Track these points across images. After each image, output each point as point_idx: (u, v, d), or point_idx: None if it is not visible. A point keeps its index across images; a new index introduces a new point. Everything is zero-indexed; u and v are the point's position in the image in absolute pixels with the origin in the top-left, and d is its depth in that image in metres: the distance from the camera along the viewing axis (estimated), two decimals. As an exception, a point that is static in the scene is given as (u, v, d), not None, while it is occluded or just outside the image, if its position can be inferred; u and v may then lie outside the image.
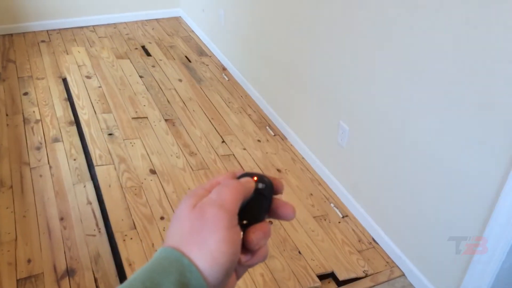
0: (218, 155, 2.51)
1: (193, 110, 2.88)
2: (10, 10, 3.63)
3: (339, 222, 2.14)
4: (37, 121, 2.67)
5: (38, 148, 2.47)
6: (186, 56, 3.51)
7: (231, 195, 0.38)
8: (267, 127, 2.76)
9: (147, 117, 2.74)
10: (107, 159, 2.37)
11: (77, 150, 2.46)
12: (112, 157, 2.38)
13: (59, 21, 3.79)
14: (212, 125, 2.75)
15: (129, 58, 3.42)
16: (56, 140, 2.53)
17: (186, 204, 0.39)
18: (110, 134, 2.53)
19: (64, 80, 3.07)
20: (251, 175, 0.42)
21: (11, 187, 2.21)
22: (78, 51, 3.37)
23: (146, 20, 4.10)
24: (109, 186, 2.21)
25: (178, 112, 2.84)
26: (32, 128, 2.61)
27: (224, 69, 3.38)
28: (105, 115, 2.70)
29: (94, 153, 2.40)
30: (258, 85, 2.96)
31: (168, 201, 2.17)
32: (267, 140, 2.65)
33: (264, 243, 0.40)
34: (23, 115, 2.72)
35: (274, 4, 2.54)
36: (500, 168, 1.39)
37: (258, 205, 0.41)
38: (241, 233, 0.39)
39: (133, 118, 2.71)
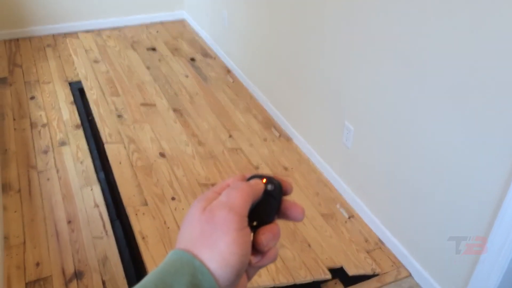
0: (226, 148, 2.53)
1: (200, 104, 2.90)
2: (16, 15, 3.66)
3: (346, 222, 2.15)
4: (44, 125, 2.69)
5: (45, 152, 2.49)
6: (191, 58, 3.52)
7: (240, 197, 0.39)
8: (272, 128, 2.76)
9: (155, 105, 2.75)
10: (117, 138, 2.35)
11: (83, 153, 2.48)
12: (122, 137, 2.36)
13: (65, 25, 3.82)
14: (219, 120, 2.78)
15: (135, 50, 3.45)
16: (63, 143, 2.55)
17: (196, 207, 0.39)
18: (119, 116, 2.51)
19: (71, 83, 3.10)
20: (260, 177, 0.42)
21: (19, 190, 2.23)
22: (85, 37, 3.37)
23: (150, 23, 4.12)
24: (120, 163, 2.19)
25: (185, 104, 2.87)
26: (39, 132, 2.64)
27: (228, 71, 3.39)
28: (114, 98, 2.69)
29: (104, 131, 2.37)
30: (262, 86, 2.97)
31: (179, 183, 2.16)
32: (273, 140, 2.66)
33: (274, 244, 0.40)
34: (30, 119, 2.74)
35: (278, 5, 2.55)
36: (506, 168, 1.38)
37: (267, 207, 0.41)
38: (251, 234, 0.39)
39: (141, 104, 2.71)
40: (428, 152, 1.68)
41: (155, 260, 1.75)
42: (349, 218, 2.17)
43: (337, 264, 1.92)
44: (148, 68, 3.21)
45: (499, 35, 1.31)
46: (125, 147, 2.27)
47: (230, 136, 2.64)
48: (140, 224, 1.90)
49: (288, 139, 2.68)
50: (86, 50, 3.06)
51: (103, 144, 2.69)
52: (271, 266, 1.84)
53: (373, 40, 1.84)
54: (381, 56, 1.82)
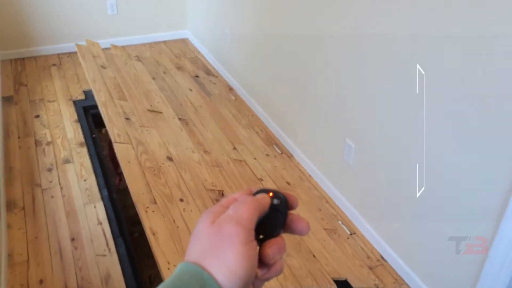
0: (230, 158, 2.56)
1: (204, 116, 2.95)
2: (22, 35, 3.73)
3: (348, 238, 2.15)
4: (48, 143, 2.72)
5: (50, 170, 2.51)
6: (196, 75, 3.58)
7: (247, 211, 0.40)
8: (274, 145, 2.79)
9: (161, 112, 2.78)
10: (126, 139, 2.34)
11: (87, 171, 2.50)
12: (130, 138, 2.36)
13: (70, 45, 3.88)
14: (223, 133, 2.82)
15: (141, 61, 3.50)
16: (67, 161, 2.58)
17: (205, 221, 0.41)
18: (127, 119, 2.51)
19: (75, 102, 3.14)
20: (266, 191, 0.44)
21: (23, 208, 2.25)
22: (93, 44, 3.41)
23: (154, 42, 4.18)
24: (129, 162, 2.18)
25: (190, 114, 2.91)
26: (44, 150, 2.66)
27: (230, 89, 3.43)
28: (122, 102, 2.70)
29: (113, 131, 2.36)
30: (264, 104, 3.01)
31: (186, 187, 2.16)
32: (275, 156, 2.69)
33: (280, 257, 0.42)
34: (35, 137, 2.77)
35: (279, 24, 2.60)
36: (505, 186, 1.40)
37: (273, 220, 0.43)
38: (258, 247, 0.40)
39: (148, 110, 2.73)
40: (429, 169, 1.70)
41: (166, 256, 1.74)
42: (351, 234, 2.18)
43: (342, 276, 1.93)
44: (153, 78, 3.27)
45: (496, 57, 1.35)
46: (133, 148, 2.27)
47: (234, 148, 2.68)
48: (150, 221, 1.88)
49: (289, 156, 2.70)
50: (94, 56, 3.09)
51: (106, 162, 2.71)
52: None
53: (374, 60, 1.88)
54: (381, 75, 1.85)
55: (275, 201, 0.43)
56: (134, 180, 2.08)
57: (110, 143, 2.75)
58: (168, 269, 1.64)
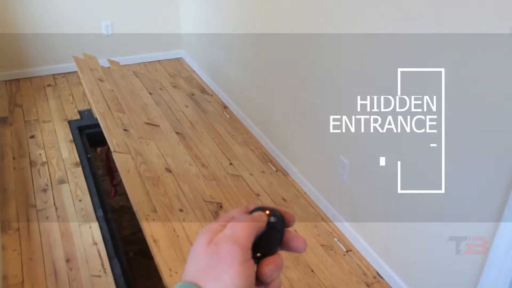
0: (227, 173, 2.57)
1: (201, 132, 2.97)
2: (17, 56, 3.75)
3: (344, 255, 2.15)
4: (43, 163, 2.72)
5: (45, 190, 2.50)
6: (192, 94, 3.61)
7: (244, 230, 0.41)
8: (269, 163, 2.80)
9: (159, 126, 2.78)
10: (125, 149, 2.32)
11: (82, 191, 2.50)
12: (129, 149, 2.35)
13: (65, 66, 3.91)
14: (220, 148, 2.83)
15: (137, 77, 3.52)
16: (62, 181, 2.57)
17: (202, 240, 0.41)
18: (125, 130, 2.49)
19: (70, 122, 3.15)
20: (263, 209, 0.44)
21: (18, 229, 2.23)
22: (90, 57, 3.42)
23: (148, 62, 4.22)
24: (128, 171, 2.17)
25: (187, 129, 2.94)
26: (39, 171, 2.66)
27: (225, 107, 3.46)
28: (120, 114, 2.69)
29: (112, 141, 2.35)
30: (259, 122, 3.03)
31: (185, 198, 2.15)
32: (271, 173, 2.70)
33: (277, 275, 0.42)
34: (30, 158, 2.77)
35: (274, 44, 2.64)
36: (500, 196, 1.42)
37: (270, 238, 0.43)
38: (255, 266, 0.41)
39: (145, 123, 2.74)
40: (423, 183, 1.72)
41: (167, 263, 1.72)
42: (346, 251, 2.18)
43: None
44: (150, 93, 3.29)
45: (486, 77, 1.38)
46: (132, 158, 2.26)
47: (231, 163, 2.70)
48: (151, 229, 1.86)
49: (285, 174, 2.72)
50: (91, 69, 3.11)
51: (101, 182, 2.71)
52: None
53: (367, 77, 1.91)
54: (374, 91, 1.88)
55: (272, 219, 0.44)
56: (134, 189, 2.05)
57: (107, 154, 2.73)
58: (170, 275, 1.61)
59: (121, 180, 2.87)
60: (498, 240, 1.44)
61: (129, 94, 3.05)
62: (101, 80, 3.02)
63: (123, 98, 2.91)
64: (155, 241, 1.81)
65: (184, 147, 2.68)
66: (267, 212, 0.44)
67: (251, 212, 0.45)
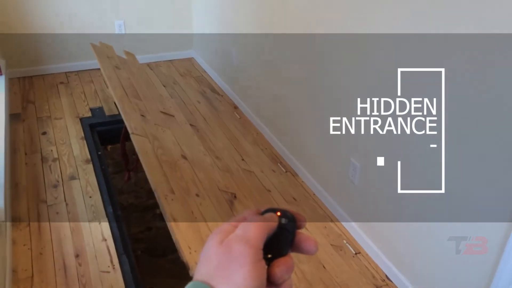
0: (240, 167, 2.57)
1: (213, 127, 2.99)
2: (30, 53, 3.80)
3: (353, 257, 2.14)
4: (54, 160, 2.75)
5: (55, 186, 2.53)
6: (203, 91, 3.63)
7: (256, 231, 0.41)
8: (279, 164, 2.80)
9: (174, 116, 2.79)
10: (142, 132, 2.32)
11: (93, 187, 2.52)
12: (146, 133, 2.34)
13: (77, 64, 3.95)
14: (232, 144, 2.84)
15: (152, 70, 3.54)
16: (72, 178, 2.60)
17: (214, 240, 0.42)
18: (142, 115, 2.49)
19: (81, 119, 3.18)
20: (274, 210, 0.44)
21: (29, 224, 2.26)
22: (106, 47, 3.43)
23: (160, 61, 4.24)
24: (146, 153, 2.17)
25: (200, 123, 2.95)
26: (50, 167, 2.69)
27: (235, 107, 3.46)
28: (136, 100, 2.70)
29: (130, 123, 2.35)
30: (269, 123, 3.03)
31: (202, 184, 2.14)
32: (280, 174, 2.70)
33: (288, 277, 0.42)
34: (41, 154, 2.80)
35: (285, 43, 2.64)
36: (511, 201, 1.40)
37: (282, 240, 0.43)
38: (266, 267, 0.41)
39: (161, 111, 2.74)
40: (432, 186, 1.70)
41: (186, 241, 1.71)
42: (355, 254, 2.17)
43: None
44: (164, 86, 3.31)
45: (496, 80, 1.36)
46: (150, 142, 2.25)
47: (243, 159, 2.70)
48: (170, 207, 1.85)
49: (294, 175, 2.71)
50: (108, 57, 3.13)
51: (112, 179, 2.73)
52: (292, 275, 1.83)
53: (375, 78, 1.90)
54: (383, 93, 1.87)
55: (283, 220, 0.44)
56: (152, 170, 2.03)
57: (123, 138, 2.72)
58: (190, 253, 1.60)
59: (135, 166, 2.88)
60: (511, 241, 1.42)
61: (144, 84, 3.04)
62: (117, 68, 3.02)
63: (139, 86, 2.91)
64: (174, 219, 1.77)
65: (198, 138, 2.68)
66: (279, 213, 0.44)
67: (262, 213, 0.45)
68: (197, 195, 2.03)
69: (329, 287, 1.87)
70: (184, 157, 2.29)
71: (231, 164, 2.57)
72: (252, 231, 0.41)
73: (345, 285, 1.94)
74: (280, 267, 0.42)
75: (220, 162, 2.51)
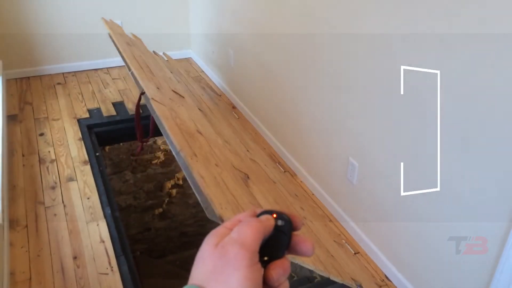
0: (247, 156, 2.56)
1: (218, 117, 2.96)
2: (28, 54, 3.78)
3: (352, 257, 2.14)
4: (52, 161, 2.74)
5: (53, 188, 2.52)
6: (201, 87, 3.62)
7: (251, 233, 0.40)
8: (277, 164, 2.79)
9: (184, 98, 2.76)
10: (160, 100, 2.29)
11: (90, 189, 2.51)
12: (164, 103, 2.32)
13: (75, 64, 3.94)
14: (237, 137, 2.83)
15: (157, 56, 3.53)
16: (70, 179, 2.58)
17: (208, 243, 0.41)
18: (157, 88, 2.47)
19: (79, 120, 3.17)
20: (270, 212, 0.44)
21: (26, 226, 2.24)
22: (117, 26, 3.38)
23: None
24: (167, 118, 2.14)
25: (206, 110, 2.91)
26: (47, 168, 2.67)
27: (234, 107, 3.45)
28: (150, 75, 2.67)
29: (149, 90, 2.31)
30: (267, 123, 3.02)
31: (218, 158, 2.13)
32: (279, 174, 2.69)
33: (284, 279, 0.41)
34: (39, 155, 2.78)
35: (282, 44, 2.63)
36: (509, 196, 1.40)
37: (278, 242, 0.43)
38: (262, 270, 0.40)
39: (172, 90, 2.72)
40: (431, 185, 1.70)
41: (216, 197, 1.69)
42: (354, 254, 2.16)
43: (358, 279, 1.91)
44: (171, 72, 3.28)
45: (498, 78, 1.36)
46: (168, 110, 2.23)
47: (248, 150, 2.69)
48: (196, 167, 1.82)
49: (292, 175, 2.71)
50: (120, 34, 3.10)
51: (109, 180, 2.72)
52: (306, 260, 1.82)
53: (375, 78, 1.89)
54: (381, 94, 1.87)
55: (279, 222, 0.43)
56: (175, 133, 1.99)
57: (137, 107, 2.70)
58: (221, 208, 1.57)
59: (149, 137, 2.87)
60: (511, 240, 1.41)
61: (154, 64, 3.02)
62: (129, 45, 2.99)
63: (150, 64, 2.88)
64: (202, 177, 1.74)
65: (208, 121, 2.66)
66: (275, 215, 0.44)
67: (258, 215, 0.44)
68: (216, 165, 1.99)
69: (341, 274, 1.85)
70: (199, 132, 2.25)
71: (239, 149, 2.54)
72: (247, 234, 0.40)
73: (353, 275, 1.93)
74: (276, 269, 0.41)
75: (230, 146, 2.47)
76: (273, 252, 0.42)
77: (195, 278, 0.40)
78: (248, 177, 2.15)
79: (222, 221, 1.37)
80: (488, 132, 1.43)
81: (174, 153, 1.86)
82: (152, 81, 2.47)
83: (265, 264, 0.41)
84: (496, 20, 1.33)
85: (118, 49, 2.72)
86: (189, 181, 1.71)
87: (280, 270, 0.41)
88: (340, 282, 1.77)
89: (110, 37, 2.88)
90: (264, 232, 0.42)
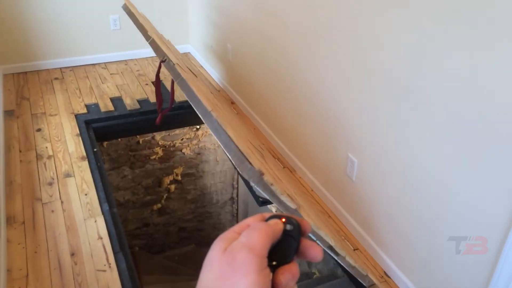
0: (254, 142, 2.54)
1: (224, 106, 2.93)
2: (25, 49, 3.75)
3: (351, 252, 2.13)
4: (49, 157, 2.72)
5: (50, 184, 2.50)
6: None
7: (260, 238, 0.40)
8: (277, 160, 2.78)
9: (197, 77, 2.74)
10: (183, 68, 2.26)
11: (88, 185, 2.49)
12: (185, 71, 2.27)
13: (72, 59, 3.91)
14: (244, 125, 2.80)
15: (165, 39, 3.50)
16: (68, 175, 2.57)
17: (217, 248, 0.40)
18: (177, 59, 2.43)
19: (77, 116, 3.14)
20: (279, 217, 0.43)
21: (23, 222, 2.23)
22: (132, 5, 3.32)
23: (156, 57, 4.20)
24: (194, 82, 2.09)
25: (216, 95, 2.88)
26: (45, 164, 2.66)
27: (232, 102, 3.44)
28: (167, 50, 2.63)
29: (171, 57, 2.26)
30: (266, 118, 3.01)
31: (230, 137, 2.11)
32: (279, 170, 2.68)
33: (293, 285, 0.41)
34: (36, 151, 2.76)
35: (281, 39, 2.61)
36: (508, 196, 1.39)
37: (286, 247, 0.42)
38: (271, 274, 0.40)
39: (187, 67, 2.68)
40: (433, 184, 1.69)
41: (250, 149, 1.66)
42: (354, 250, 2.16)
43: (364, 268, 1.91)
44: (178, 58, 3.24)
45: (499, 67, 1.35)
46: (190, 79, 2.20)
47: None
48: (228, 126, 1.79)
49: (292, 171, 2.70)
50: (135, 7, 3.06)
51: (107, 176, 2.70)
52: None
53: (374, 72, 1.88)
54: (383, 88, 1.85)
55: (288, 227, 0.43)
56: (203, 96, 1.95)
57: (157, 77, 2.73)
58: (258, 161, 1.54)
59: (168, 108, 2.89)
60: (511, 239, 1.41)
61: (166, 42, 2.99)
62: (144, 19, 2.96)
63: (163, 39, 2.85)
64: (234, 135, 1.70)
65: (221, 103, 2.63)
66: (283, 220, 0.43)
67: (267, 219, 0.44)
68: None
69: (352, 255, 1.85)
70: (218, 106, 2.22)
71: (248, 135, 2.52)
72: (256, 239, 0.40)
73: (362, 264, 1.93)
74: (285, 274, 0.40)
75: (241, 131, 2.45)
76: (282, 257, 0.42)
77: (203, 284, 0.39)
78: (263, 157, 2.13)
79: (262, 174, 1.33)
80: (489, 131, 1.42)
81: (201, 116, 1.77)
82: (170, 54, 2.44)
83: (273, 269, 0.41)
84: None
85: (135, 18, 2.72)
86: (221, 143, 1.63)
87: (289, 275, 0.41)
88: (353, 265, 1.76)
89: (126, 7, 2.88)
90: (273, 237, 0.41)
